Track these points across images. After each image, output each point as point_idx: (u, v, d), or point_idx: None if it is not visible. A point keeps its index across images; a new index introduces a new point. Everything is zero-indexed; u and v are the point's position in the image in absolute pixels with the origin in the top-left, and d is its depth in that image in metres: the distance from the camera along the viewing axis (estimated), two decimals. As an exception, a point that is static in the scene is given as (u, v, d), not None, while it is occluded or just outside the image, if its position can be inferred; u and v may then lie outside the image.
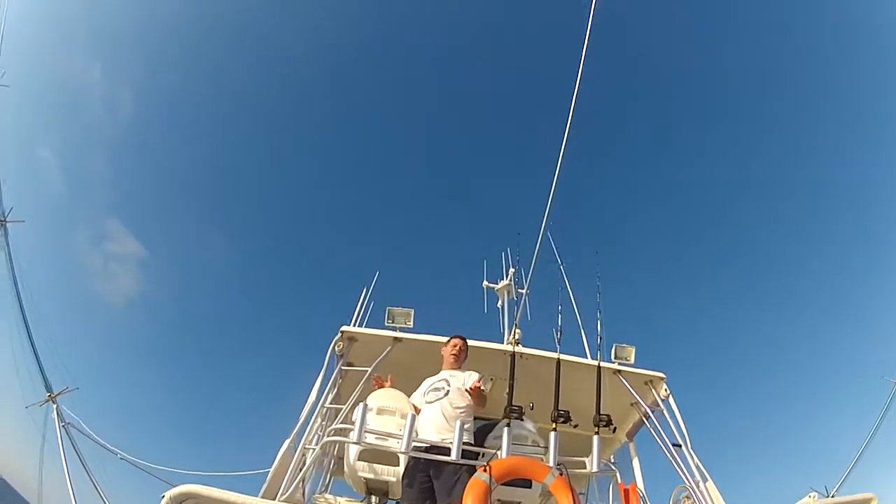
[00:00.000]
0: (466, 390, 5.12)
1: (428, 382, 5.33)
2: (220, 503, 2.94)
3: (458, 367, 5.45)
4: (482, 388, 5.15)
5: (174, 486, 2.92)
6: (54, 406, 7.23)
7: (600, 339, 5.74)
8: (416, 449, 4.52)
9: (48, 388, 7.45)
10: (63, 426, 7.11)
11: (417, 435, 4.66)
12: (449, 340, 5.60)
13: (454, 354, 5.47)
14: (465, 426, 4.80)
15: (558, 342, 5.51)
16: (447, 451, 4.56)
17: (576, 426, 4.89)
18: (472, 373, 5.33)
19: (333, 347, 5.63)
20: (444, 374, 5.37)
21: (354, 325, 6.08)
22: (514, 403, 4.93)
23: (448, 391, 5.12)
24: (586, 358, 6.23)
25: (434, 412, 4.98)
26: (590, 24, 4.41)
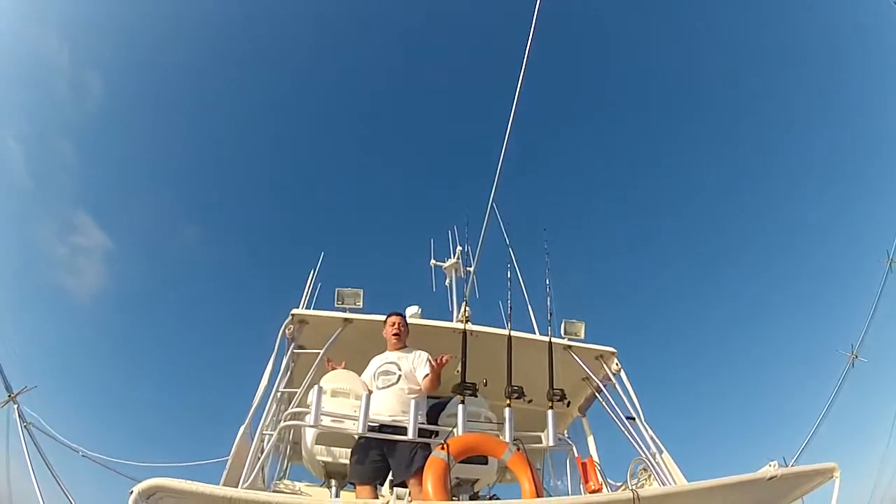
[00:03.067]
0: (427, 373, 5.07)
1: (376, 363, 5.25)
2: (189, 494, 2.87)
3: (404, 346, 5.37)
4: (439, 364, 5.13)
5: (140, 481, 2.81)
6: (15, 406, 6.86)
7: (550, 314, 5.80)
8: (372, 429, 4.50)
9: (7, 388, 7.04)
10: (24, 426, 6.80)
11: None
12: (386, 319, 5.50)
13: (396, 335, 5.37)
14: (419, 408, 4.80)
15: (509, 318, 5.55)
16: (402, 431, 4.56)
17: (530, 401, 4.93)
18: (421, 352, 5.26)
19: (284, 331, 5.52)
20: (391, 355, 5.27)
21: (303, 308, 5.97)
22: (466, 381, 4.97)
23: (399, 376, 5.07)
24: (535, 334, 6.28)
25: (387, 397, 4.93)
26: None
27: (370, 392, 4.88)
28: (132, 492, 2.79)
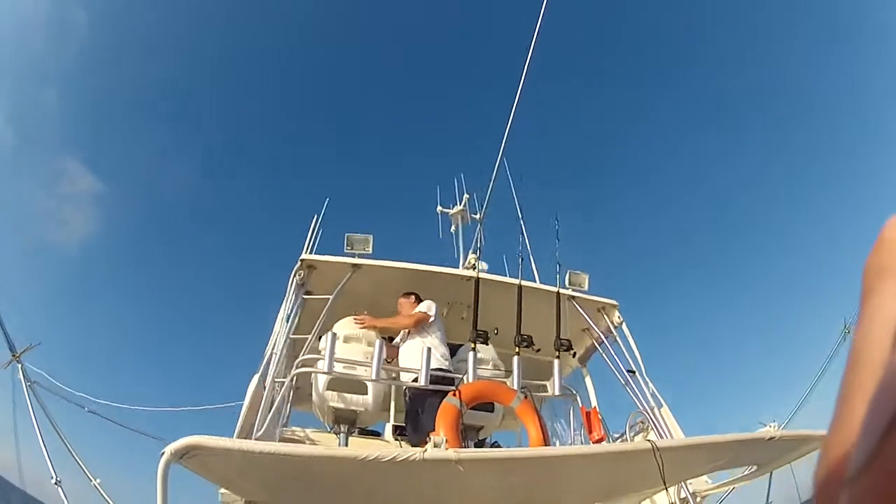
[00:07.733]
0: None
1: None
2: (226, 452, 2.81)
3: None
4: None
5: (172, 441, 2.70)
6: (19, 366, 6.73)
7: (559, 265, 5.84)
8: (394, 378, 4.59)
9: (11, 349, 6.86)
10: (29, 385, 6.68)
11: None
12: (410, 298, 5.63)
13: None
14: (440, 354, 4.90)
15: (520, 268, 5.60)
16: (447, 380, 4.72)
17: (538, 350, 5.00)
18: None
19: (294, 276, 5.49)
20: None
21: (306, 254, 5.90)
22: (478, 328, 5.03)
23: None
24: (536, 282, 6.30)
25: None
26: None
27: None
28: (164, 453, 2.66)
